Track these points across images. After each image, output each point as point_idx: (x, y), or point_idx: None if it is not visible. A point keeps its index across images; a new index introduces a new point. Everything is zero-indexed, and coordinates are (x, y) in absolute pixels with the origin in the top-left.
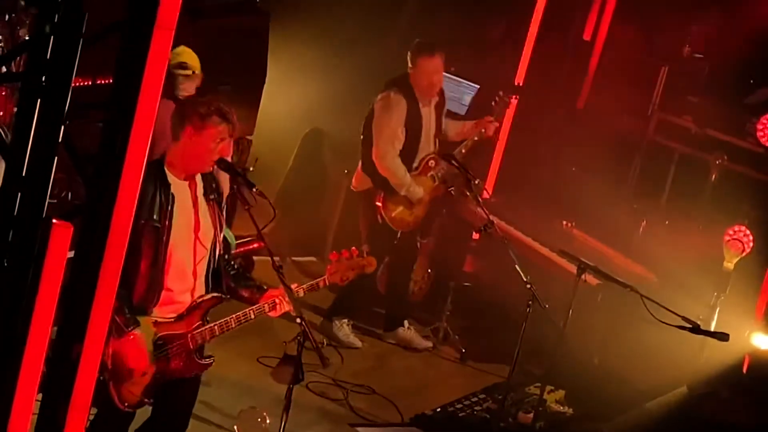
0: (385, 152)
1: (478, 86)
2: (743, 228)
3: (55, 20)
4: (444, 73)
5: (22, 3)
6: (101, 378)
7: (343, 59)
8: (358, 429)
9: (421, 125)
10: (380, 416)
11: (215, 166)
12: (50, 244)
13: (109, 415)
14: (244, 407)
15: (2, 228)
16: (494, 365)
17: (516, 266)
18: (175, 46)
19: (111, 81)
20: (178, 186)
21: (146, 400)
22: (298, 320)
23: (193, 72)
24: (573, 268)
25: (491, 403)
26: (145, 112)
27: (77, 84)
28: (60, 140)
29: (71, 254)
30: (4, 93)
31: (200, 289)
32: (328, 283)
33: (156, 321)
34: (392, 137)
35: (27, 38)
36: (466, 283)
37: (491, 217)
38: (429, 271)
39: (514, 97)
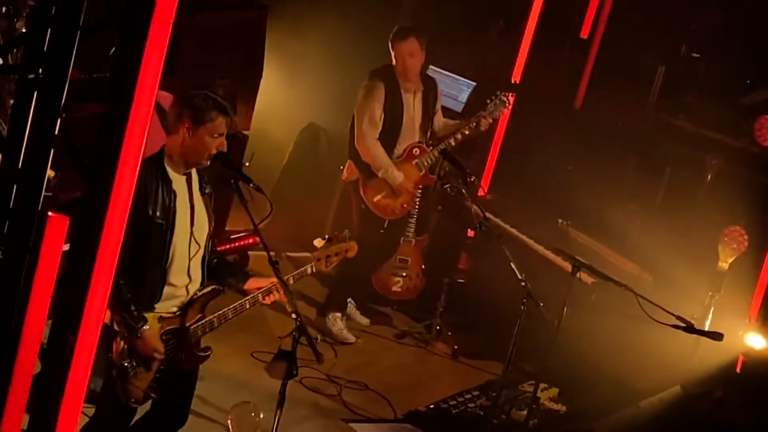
0: (363, 135)
1: (475, 83)
2: (738, 228)
3: (53, 12)
4: (441, 70)
5: None
6: (112, 375)
7: (340, 54)
8: (352, 425)
9: (402, 111)
10: (374, 412)
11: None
12: (46, 237)
13: (113, 412)
14: (238, 402)
15: None
16: (488, 362)
17: (511, 264)
18: (172, 39)
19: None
20: (177, 181)
21: (151, 394)
22: (294, 315)
23: None
24: (568, 267)
25: (485, 400)
26: (142, 105)
27: (75, 77)
28: (57, 133)
29: (66, 247)
30: None
31: (197, 282)
32: (314, 270)
33: (161, 316)
34: (370, 121)
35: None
36: (460, 280)
37: (487, 214)
38: (423, 267)
39: (510, 95)
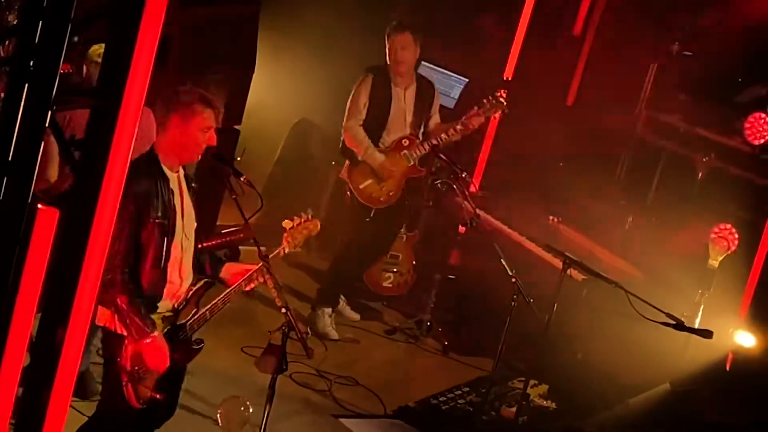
0: (347, 119)
1: (468, 80)
2: (729, 226)
3: (44, 5)
4: (433, 66)
5: None
6: (120, 381)
7: (333, 50)
8: (342, 420)
9: (390, 102)
10: (364, 408)
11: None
12: (35, 230)
13: (119, 412)
14: (227, 396)
15: None
16: (478, 359)
17: (501, 260)
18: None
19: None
20: (173, 179)
21: (156, 394)
22: (283, 310)
23: None
24: (558, 263)
25: (474, 396)
26: (132, 99)
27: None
28: (47, 125)
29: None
30: None
31: (190, 278)
32: (286, 252)
33: (164, 316)
34: (355, 107)
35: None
36: (451, 276)
37: (478, 211)
38: (414, 263)
39: (503, 91)
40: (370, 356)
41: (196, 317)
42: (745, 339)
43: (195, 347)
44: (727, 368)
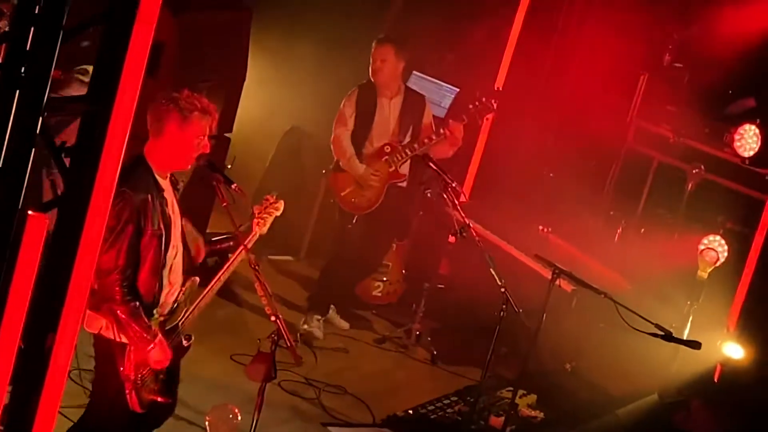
0: (334, 129)
1: (458, 89)
2: (718, 238)
3: (36, 12)
4: (424, 76)
5: None
6: (122, 388)
7: (325, 58)
8: (330, 428)
9: (373, 112)
10: (352, 416)
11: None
12: (25, 236)
13: (112, 418)
14: (216, 404)
15: None
16: (466, 368)
17: (491, 270)
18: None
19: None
20: (165, 187)
21: (158, 399)
22: (273, 318)
23: None
24: (548, 273)
25: (463, 405)
26: (124, 106)
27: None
28: (38, 132)
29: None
30: None
31: (181, 279)
32: (258, 235)
33: (161, 321)
34: (342, 118)
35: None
36: (440, 285)
37: (467, 220)
38: (404, 272)
39: (493, 101)
40: (359, 365)
41: (187, 317)
42: (734, 351)
43: (186, 344)
44: (716, 380)
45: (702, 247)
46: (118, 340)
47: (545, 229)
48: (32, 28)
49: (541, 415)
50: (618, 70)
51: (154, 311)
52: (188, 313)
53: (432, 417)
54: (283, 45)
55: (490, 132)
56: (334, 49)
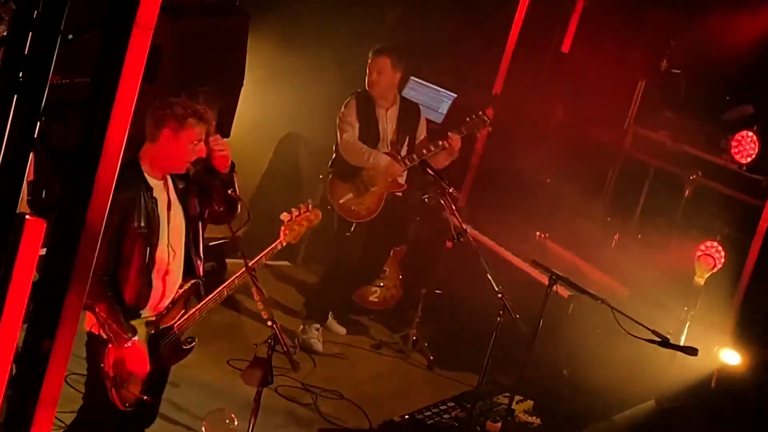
0: (342, 135)
1: (456, 95)
2: (715, 244)
3: (34, 16)
4: (422, 81)
5: None
6: (104, 385)
7: (322, 63)
8: None
9: (371, 123)
10: (348, 422)
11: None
12: (23, 240)
13: (102, 416)
14: (213, 409)
15: None
16: (463, 374)
17: (488, 275)
18: (153, 45)
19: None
20: (157, 188)
21: (143, 396)
22: (270, 323)
23: None
24: (545, 279)
25: (459, 411)
26: (122, 110)
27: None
28: (36, 137)
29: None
30: None
31: (178, 282)
32: (284, 244)
33: (147, 321)
34: (347, 125)
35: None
36: (437, 291)
37: (465, 225)
38: (401, 277)
39: (488, 110)
40: (355, 370)
41: (185, 318)
42: (731, 357)
43: (186, 347)
44: (712, 386)
45: (699, 253)
46: (103, 336)
47: (542, 235)
48: (30, 33)
49: (538, 421)
50: (615, 76)
51: (141, 312)
52: (187, 314)
53: (429, 423)
54: (280, 50)
55: (488, 138)
56: (332, 55)
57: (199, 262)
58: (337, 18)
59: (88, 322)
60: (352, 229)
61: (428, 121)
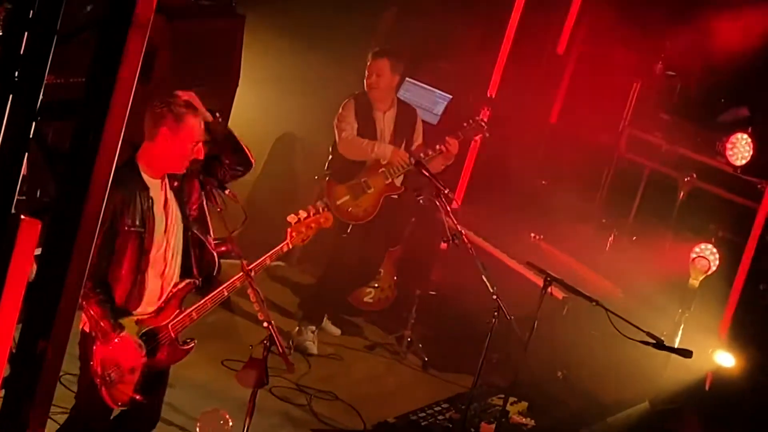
0: (341, 133)
1: (451, 96)
2: (709, 246)
3: (30, 16)
4: (417, 82)
5: None
6: (95, 384)
7: (318, 64)
8: None
9: (369, 125)
10: (343, 423)
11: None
12: (18, 241)
13: (93, 414)
14: (207, 409)
15: None
16: (458, 375)
17: (483, 277)
18: (149, 45)
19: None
20: (154, 187)
21: (137, 396)
22: (265, 324)
23: None
24: (539, 281)
25: (454, 412)
26: (118, 110)
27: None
28: (31, 136)
29: (38, 251)
30: None
31: (174, 279)
32: (291, 246)
33: (138, 319)
34: (346, 123)
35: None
36: (432, 292)
37: (459, 227)
38: (395, 279)
39: (484, 115)
40: (350, 371)
41: (179, 318)
42: (725, 359)
43: (183, 347)
44: (707, 388)
45: (693, 255)
46: (93, 333)
47: (537, 237)
48: (26, 33)
49: (532, 422)
50: (610, 78)
51: (134, 311)
52: (182, 315)
53: (423, 424)
54: (276, 51)
55: (483, 139)
56: (329, 56)
57: (195, 262)
58: (333, 19)
59: (82, 320)
60: (349, 230)
61: (424, 122)
